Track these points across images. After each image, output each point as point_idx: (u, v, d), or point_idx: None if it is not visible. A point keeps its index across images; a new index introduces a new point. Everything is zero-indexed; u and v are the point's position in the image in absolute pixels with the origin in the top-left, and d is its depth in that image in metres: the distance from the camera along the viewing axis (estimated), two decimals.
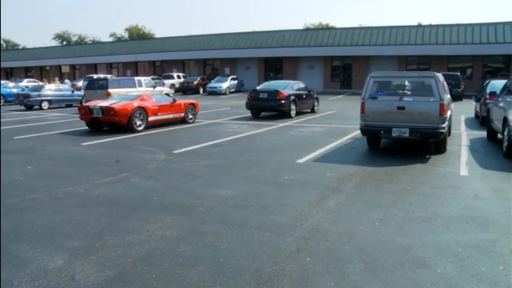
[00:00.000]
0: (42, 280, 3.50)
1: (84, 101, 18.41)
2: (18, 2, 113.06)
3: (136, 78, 21.63)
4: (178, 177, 6.96)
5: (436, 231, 4.53)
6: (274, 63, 40.33)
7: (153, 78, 31.37)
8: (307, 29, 45.92)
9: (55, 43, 79.88)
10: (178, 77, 37.98)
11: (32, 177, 7.20)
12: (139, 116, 12.34)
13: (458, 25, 33.89)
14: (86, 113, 12.45)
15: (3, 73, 49.02)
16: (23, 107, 21.92)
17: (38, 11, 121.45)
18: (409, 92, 9.11)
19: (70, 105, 22.53)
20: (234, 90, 34.48)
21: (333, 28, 44.26)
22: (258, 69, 40.68)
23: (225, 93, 32.83)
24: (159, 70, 45.42)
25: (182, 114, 14.07)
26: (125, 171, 7.39)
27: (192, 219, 4.92)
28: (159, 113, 13.07)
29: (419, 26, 36.26)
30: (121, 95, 14.62)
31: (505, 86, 10.27)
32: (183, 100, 14.73)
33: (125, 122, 11.97)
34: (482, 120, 13.29)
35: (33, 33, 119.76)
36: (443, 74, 12.44)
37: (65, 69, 52.28)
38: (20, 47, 75.47)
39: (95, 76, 32.83)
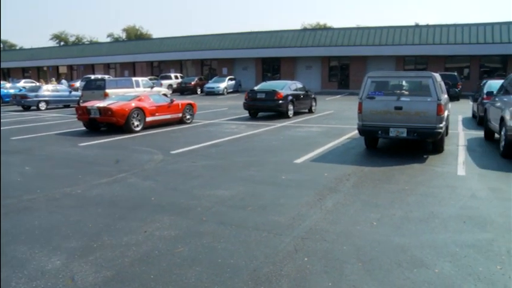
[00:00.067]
0: (40, 281, 3.50)
1: (81, 101, 18.39)
2: (16, 3, 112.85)
3: (133, 78, 21.65)
4: (176, 178, 6.96)
5: (433, 231, 4.54)
6: (271, 63, 40.33)
7: (150, 79, 31.35)
8: (304, 29, 45.92)
9: (52, 43, 79.82)
10: (176, 77, 38.00)
11: (29, 177, 7.19)
12: (137, 116, 12.32)
13: (455, 25, 34.01)
14: (84, 114, 12.43)
15: (0, 74, 48.86)
16: (20, 108, 21.87)
17: (35, 11, 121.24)
18: (407, 92, 9.13)
19: (67, 106, 22.45)
20: (231, 90, 34.48)
21: (330, 28, 44.37)
22: (256, 70, 40.68)
23: (222, 94, 32.81)
24: (156, 70, 45.37)
25: (180, 115, 14.06)
26: (123, 171, 7.39)
27: (190, 220, 4.92)
28: (157, 114, 13.06)
29: (417, 26, 36.32)
30: (118, 96, 14.62)
31: (502, 86, 10.31)
32: (181, 100, 14.73)
33: (123, 122, 11.96)
34: (479, 120, 13.32)
35: (31, 33, 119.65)
36: (440, 74, 12.48)
37: (63, 70, 52.05)
38: (17, 48, 75.24)
39: (93, 77, 32.80)
